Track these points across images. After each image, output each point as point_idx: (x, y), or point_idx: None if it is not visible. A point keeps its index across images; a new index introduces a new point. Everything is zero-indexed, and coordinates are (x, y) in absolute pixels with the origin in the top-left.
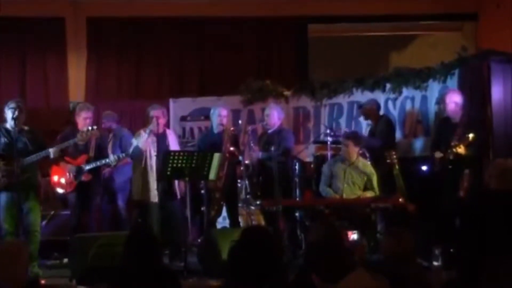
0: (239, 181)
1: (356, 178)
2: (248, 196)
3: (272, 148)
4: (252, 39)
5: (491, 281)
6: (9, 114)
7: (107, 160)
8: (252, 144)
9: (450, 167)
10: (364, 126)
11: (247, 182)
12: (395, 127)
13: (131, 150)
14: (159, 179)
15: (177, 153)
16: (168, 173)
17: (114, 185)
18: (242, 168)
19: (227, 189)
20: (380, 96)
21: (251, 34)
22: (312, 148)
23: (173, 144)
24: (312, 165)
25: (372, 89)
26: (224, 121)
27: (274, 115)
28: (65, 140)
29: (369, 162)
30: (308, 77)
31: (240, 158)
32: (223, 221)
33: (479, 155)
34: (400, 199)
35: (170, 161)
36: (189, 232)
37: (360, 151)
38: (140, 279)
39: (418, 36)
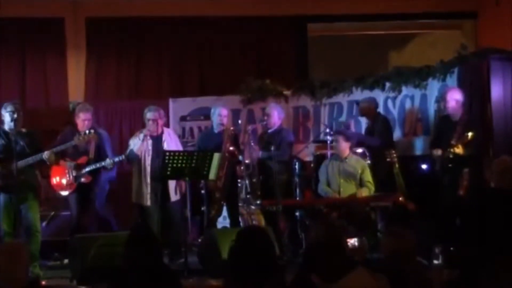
0: (239, 180)
1: (350, 173)
2: (248, 196)
3: (272, 148)
4: (252, 38)
5: (491, 279)
6: (7, 116)
7: (103, 164)
8: (252, 144)
9: (450, 165)
10: (364, 124)
11: (247, 181)
12: (392, 125)
13: (127, 152)
14: (158, 179)
15: (177, 153)
16: (168, 173)
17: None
18: (242, 167)
19: (227, 188)
20: (379, 95)
21: (250, 33)
22: (312, 147)
23: (171, 144)
24: (312, 165)
25: (371, 88)
26: (224, 120)
27: (275, 115)
28: (64, 140)
29: (367, 162)
30: (308, 76)
31: (240, 157)
32: (223, 220)
33: (479, 153)
34: (400, 198)
35: (170, 161)
36: (189, 231)
37: (361, 150)
38: (140, 279)
39: (417, 35)
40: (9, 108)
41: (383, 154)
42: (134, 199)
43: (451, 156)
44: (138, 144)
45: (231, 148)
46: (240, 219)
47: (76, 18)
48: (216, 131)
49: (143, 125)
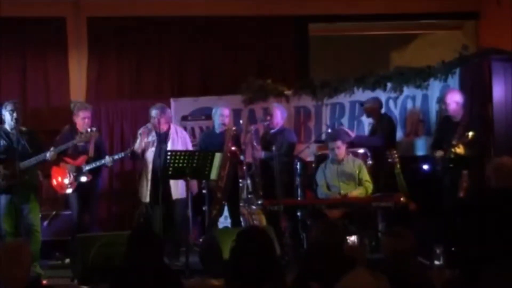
0: (240, 180)
1: (349, 175)
2: (249, 196)
3: (274, 148)
4: (253, 38)
5: (492, 279)
6: (7, 115)
7: (102, 162)
8: (255, 144)
9: (451, 166)
10: (366, 125)
11: (248, 181)
12: (396, 126)
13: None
14: (159, 179)
15: (178, 153)
16: (170, 172)
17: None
18: (244, 167)
19: (228, 188)
20: (381, 95)
21: (251, 33)
22: (313, 147)
23: (178, 142)
24: (313, 165)
25: (373, 88)
26: (226, 120)
27: (278, 115)
28: (63, 140)
29: (369, 162)
30: (309, 76)
31: (242, 157)
32: (224, 220)
33: (480, 154)
34: (402, 198)
35: (172, 161)
36: (190, 231)
37: (362, 151)
38: (142, 279)
39: (418, 35)
40: (9, 107)
41: (385, 154)
42: (139, 197)
43: (452, 156)
44: (137, 141)
45: (233, 148)
46: (241, 219)
47: (77, 18)
48: (217, 131)
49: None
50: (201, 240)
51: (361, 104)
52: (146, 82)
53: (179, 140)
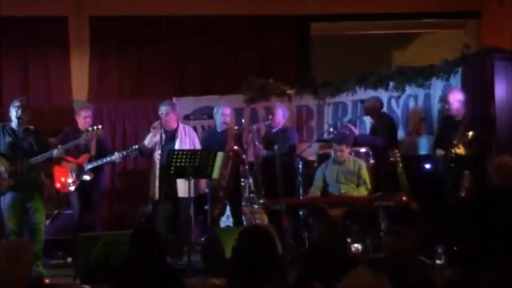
0: (242, 180)
1: (349, 176)
2: (251, 195)
3: (276, 147)
4: (255, 37)
5: (493, 279)
6: (13, 112)
7: (112, 158)
8: (257, 143)
9: (452, 165)
10: (368, 124)
11: (250, 180)
12: (397, 125)
13: (140, 144)
14: (163, 178)
15: (180, 152)
16: (172, 172)
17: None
18: (246, 167)
19: (230, 188)
20: (383, 94)
21: (253, 32)
22: (315, 146)
23: (185, 140)
24: (315, 164)
25: (375, 88)
26: (228, 120)
27: (279, 114)
28: (65, 139)
29: (371, 161)
30: (311, 75)
31: (244, 156)
32: (226, 220)
33: (482, 153)
34: (404, 197)
35: (174, 160)
36: (192, 230)
37: (364, 150)
38: (144, 278)
39: (420, 34)
40: (16, 104)
41: (387, 153)
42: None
43: (453, 156)
44: (149, 136)
45: (235, 147)
46: (243, 218)
47: (79, 17)
48: (219, 130)
49: (148, 123)
50: (203, 239)
51: (362, 101)
52: (148, 81)
53: (187, 139)
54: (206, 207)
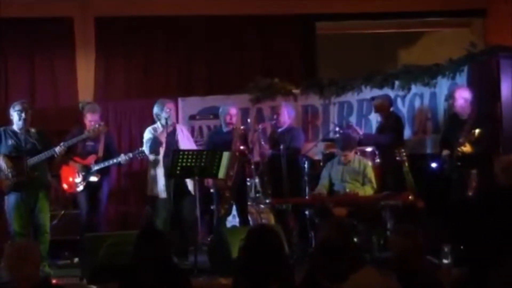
0: (248, 179)
1: (354, 175)
2: (257, 195)
3: (281, 146)
4: (260, 37)
5: (500, 278)
6: (15, 116)
7: (118, 159)
8: (263, 143)
9: (458, 164)
10: (374, 123)
11: (256, 180)
12: (404, 124)
13: (148, 144)
14: (168, 177)
15: (186, 152)
16: (178, 172)
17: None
18: (252, 166)
19: (236, 187)
20: (389, 93)
21: (258, 32)
22: (321, 146)
23: (184, 140)
24: (321, 163)
25: (380, 87)
26: (233, 119)
27: (285, 114)
28: (72, 137)
29: (377, 160)
30: (316, 75)
31: (249, 156)
32: (232, 219)
33: (488, 151)
34: (410, 196)
35: (179, 160)
36: (198, 230)
37: (370, 149)
38: (151, 278)
39: (426, 33)
40: (17, 107)
41: (393, 153)
42: (149, 192)
43: (459, 154)
44: (161, 129)
45: (241, 147)
46: (249, 217)
47: (85, 18)
48: (225, 130)
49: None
50: (209, 239)
51: (372, 98)
52: (154, 82)
53: (185, 138)
54: (212, 207)
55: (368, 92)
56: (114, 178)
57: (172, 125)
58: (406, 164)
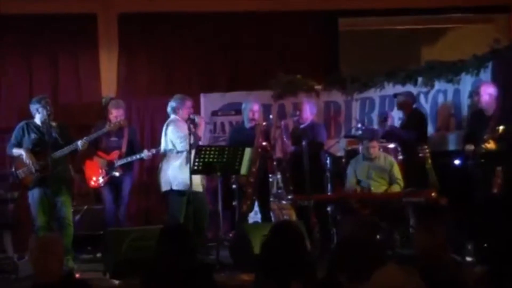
0: (270, 175)
1: (380, 173)
2: (279, 191)
3: (304, 143)
4: (283, 33)
5: None
6: (37, 111)
7: (141, 155)
8: (285, 139)
9: (482, 161)
10: (396, 120)
11: (278, 176)
12: (427, 121)
13: (186, 142)
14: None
15: (208, 148)
16: (200, 167)
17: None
18: (274, 163)
19: (258, 183)
20: (412, 90)
21: (281, 28)
22: (343, 142)
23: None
24: (343, 160)
25: (403, 83)
26: (256, 116)
27: (307, 110)
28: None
29: (400, 157)
30: (339, 71)
31: (272, 152)
32: (254, 215)
33: None
34: (433, 193)
35: (202, 156)
36: (220, 226)
37: (393, 145)
38: (173, 273)
39: (449, 29)
40: (38, 102)
41: (416, 149)
42: (176, 186)
43: (483, 151)
44: (202, 125)
45: (263, 143)
46: (271, 214)
47: (108, 14)
48: (247, 126)
49: None
50: (231, 235)
51: (394, 95)
52: (176, 78)
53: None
54: (234, 203)
55: (391, 89)
56: (137, 173)
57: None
58: (429, 160)
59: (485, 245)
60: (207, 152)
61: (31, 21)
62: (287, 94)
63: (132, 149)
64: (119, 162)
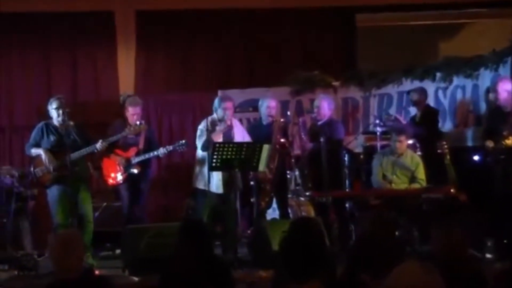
0: (288, 172)
1: (404, 170)
2: (297, 187)
3: (321, 139)
4: (300, 29)
5: None
6: (54, 113)
7: (158, 152)
8: (303, 135)
9: (502, 157)
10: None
11: (296, 173)
12: (443, 116)
13: (201, 143)
14: (208, 170)
15: (226, 145)
16: (218, 164)
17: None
18: (292, 159)
19: (277, 180)
20: (430, 86)
21: (298, 24)
22: (361, 138)
23: (239, 134)
24: (361, 156)
25: (421, 79)
26: (273, 112)
27: (325, 106)
28: (114, 132)
29: (418, 153)
30: (356, 67)
31: (290, 149)
32: (272, 212)
33: None
34: (452, 190)
35: (220, 153)
36: (239, 223)
37: (411, 142)
38: (192, 270)
39: (467, 24)
40: (54, 104)
41: (434, 145)
42: (197, 185)
43: (503, 147)
44: (221, 129)
45: (281, 140)
46: (289, 210)
47: (126, 11)
48: (264, 122)
49: (194, 116)
50: (249, 231)
51: (408, 92)
52: (194, 75)
53: (239, 132)
54: (252, 200)
55: (409, 85)
56: (155, 170)
57: (227, 124)
58: (448, 156)
59: (505, 241)
60: (225, 149)
61: (49, 19)
62: (305, 91)
63: (150, 146)
64: (136, 159)
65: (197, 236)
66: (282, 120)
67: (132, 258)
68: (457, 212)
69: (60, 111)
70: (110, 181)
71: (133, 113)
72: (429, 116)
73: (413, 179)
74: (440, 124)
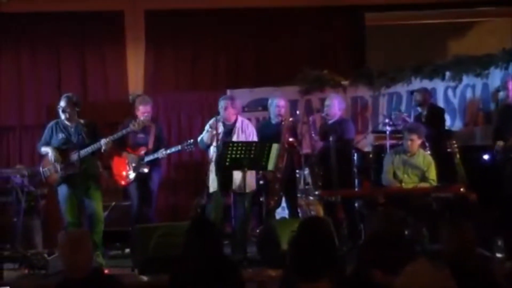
0: (297, 171)
1: (415, 169)
2: (307, 186)
3: (331, 138)
4: (309, 28)
5: None
6: (60, 113)
7: (167, 152)
8: (313, 135)
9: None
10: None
11: (306, 172)
12: (450, 115)
13: (200, 137)
14: (218, 170)
15: (235, 144)
16: (227, 163)
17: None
18: (302, 158)
19: (286, 179)
20: (439, 84)
21: (307, 23)
22: (370, 137)
23: (241, 134)
24: (370, 155)
25: (431, 78)
26: (282, 111)
27: (335, 105)
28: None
29: (428, 152)
30: (366, 66)
31: (299, 148)
32: (281, 211)
33: None
34: (462, 189)
35: (229, 152)
36: (248, 222)
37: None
38: (201, 269)
39: (476, 23)
40: (61, 103)
41: (443, 144)
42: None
43: None
44: (207, 130)
45: (290, 139)
46: (298, 209)
47: (135, 11)
48: (273, 122)
49: (203, 116)
50: (258, 231)
51: (411, 92)
52: (203, 74)
53: (243, 135)
54: (261, 199)
55: (418, 83)
56: (165, 169)
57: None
58: (458, 155)
59: None
60: (235, 148)
61: (58, 19)
62: (314, 90)
63: (159, 145)
64: (146, 159)
65: (206, 235)
66: (291, 119)
67: (141, 257)
68: (467, 211)
69: (65, 113)
70: (122, 182)
71: (143, 112)
72: (435, 115)
73: (424, 178)
74: (449, 123)
